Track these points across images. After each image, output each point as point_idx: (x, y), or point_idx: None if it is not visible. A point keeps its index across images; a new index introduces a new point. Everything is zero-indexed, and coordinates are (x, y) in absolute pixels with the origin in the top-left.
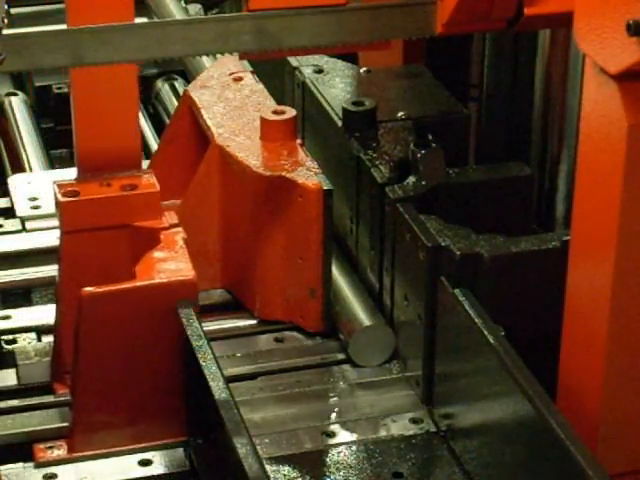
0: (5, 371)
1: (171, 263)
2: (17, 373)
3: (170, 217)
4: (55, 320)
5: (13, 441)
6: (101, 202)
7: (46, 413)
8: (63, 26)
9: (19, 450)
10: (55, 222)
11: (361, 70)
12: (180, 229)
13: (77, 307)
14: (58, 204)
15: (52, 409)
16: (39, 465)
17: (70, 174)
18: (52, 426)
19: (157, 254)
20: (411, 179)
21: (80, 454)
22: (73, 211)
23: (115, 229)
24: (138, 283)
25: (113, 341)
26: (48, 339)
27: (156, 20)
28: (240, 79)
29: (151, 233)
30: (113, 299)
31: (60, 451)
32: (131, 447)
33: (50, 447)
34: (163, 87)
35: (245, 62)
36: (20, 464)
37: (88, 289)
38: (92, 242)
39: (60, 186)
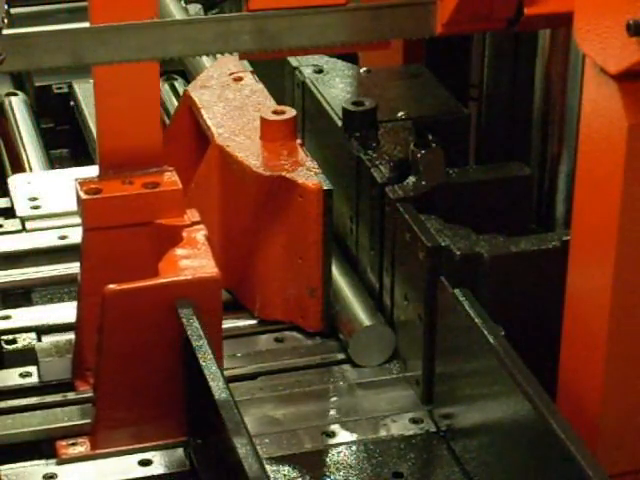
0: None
1: (194, 260)
2: (38, 370)
3: (192, 214)
4: (76, 317)
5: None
6: (123, 200)
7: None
8: (63, 26)
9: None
10: (55, 222)
11: (361, 70)
12: (202, 226)
13: (99, 304)
14: (80, 201)
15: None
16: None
17: (70, 174)
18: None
19: (180, 251)
20: (411, 179)
21: (102, 451)
22: (95, 209)
23: (137, 227)
24: (161, 280)
25: (136, 338)
26: (48, 339)
27: (156, 20)
28: (240, 79)
29: (173, 231)
30: (136, 296)
31: (82, 448)
32: (152, 444)
33: (73, 444)
34: (163, 87)
35: (245, 62)
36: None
37: (111, 286)
38: (114, 240)
39: (82, 183)
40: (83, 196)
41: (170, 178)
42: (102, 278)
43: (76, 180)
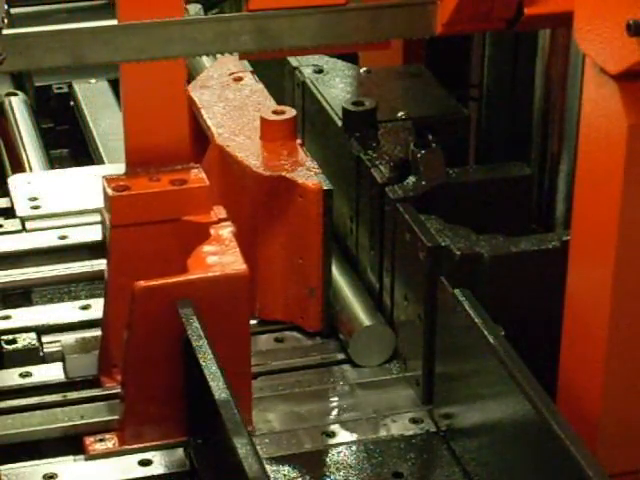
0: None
1: (222, 257)
2: (64, 367)
3: (218, 211)
4: (103, 314)
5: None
6: (151, 197)
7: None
8: (63, 26)
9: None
10: (55, 222)
11: (361, 70)
12: (229, 223)
13: (128, 300)
14: (108, 198)
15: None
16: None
17: (70, 174)
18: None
19: (208, 248)
20: (411, 179)
21: (130, 446)
22: (123, 205)
23: (164, 223)
24: (190, 277)
25: (165, 334)
26: (48, 339)
27: (156, 20)
28: (240, 79)
29: (200, 227)
30: (166, 292)
31: (110, 444)
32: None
33: (101, 440)
34: None
35: (245, 62)
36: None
37: (141, 283)
38: (141, 236)
39: (109, 180)
40: (110, 193)
41: (197, 175)
42: (129, 275)
43: (103, 177)
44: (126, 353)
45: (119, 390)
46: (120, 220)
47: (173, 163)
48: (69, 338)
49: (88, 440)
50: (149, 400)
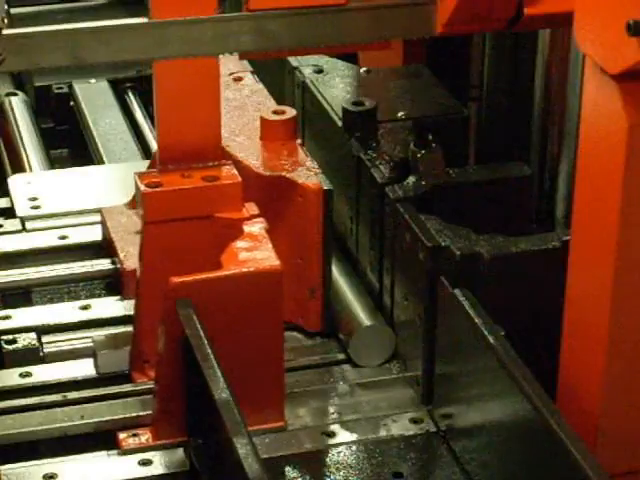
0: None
1: (256, 253)
2: (95, 362)
3: (250, 208)
4: (135, 310)
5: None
6: (183, 193)
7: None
8: (63, 26)
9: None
10: (55, 222)
11: (361, 70)
12: (261, 219)
13: (160, 296)
14: (140, 194)
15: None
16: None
17: (70, 174)
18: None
19: (241, 244)
20: (411, 179)
21: (163, 442)
22: (155, 202)
23: (196, 220)
24: (225, 272)
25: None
26: (48, 339)
27: (156, 20)
28: (240, 79)
29: (232, 224)
30: (201, 288)
31: (144, 438)
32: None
33: (134, 435)
34: None
35: (245, 62)
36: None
37: (176, 278)
38: (173, 232)
39: (142, 177)
40: (143, 189)
41: (229, 172)
42: (161, 271)
43: (136, 173)
44: (160, 348)
45: (150, 386)
46: (153, 216)
47: (205, 160)
48: (100, 334)
49: (121, 435)
50: (182, 395)
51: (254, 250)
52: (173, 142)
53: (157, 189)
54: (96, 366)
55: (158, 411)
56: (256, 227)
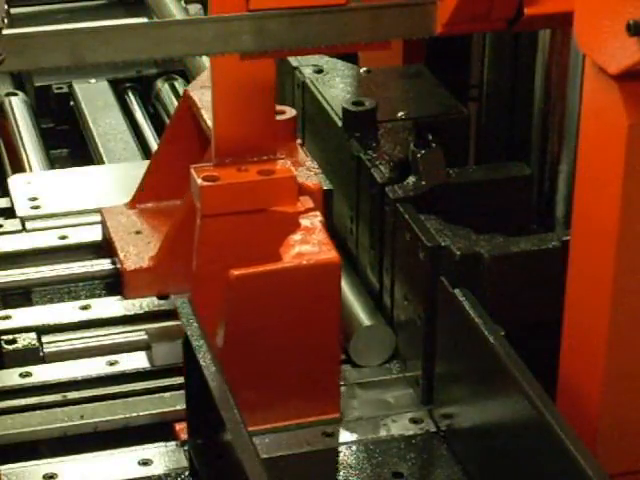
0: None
1: (314, 245)
2: (150, 355)
3: (305, 202)
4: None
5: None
6: (240, 187)
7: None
8: (63, 26)
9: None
10: (55, 222)
11: (361, 70)
12: (317, 213)
13: (214, 289)
14: (197, 188)
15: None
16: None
17: (70, 174)
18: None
19: (299, 237)
20: (411, 179)
21: None
22: (212, 195)
23: (252, 213)
24: (285, 265)
25: (258, 321)
26: (48, 339)
27: (156, 20)
28: None
29: (288, 217)
30: (261, 280)
31: None
32: (281, 425)
33: None
34: (163, 87)
35: None
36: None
37: (237, 270)
38: (229, 226)
39: (199, 170)
40: (200, 183)
41: (284, 166)
42: (216, 264)
43: (192, 167)
44: (220, 341)
45: None
46: (209, 210)
47: (260, 154)
48: (154, 327)
49: (179, 426)
50: (243, 385)
51: (312, 243)
52: (229, 136)
53: (214, 183)
54: (150, 359)
55: None
56: (312, 220)
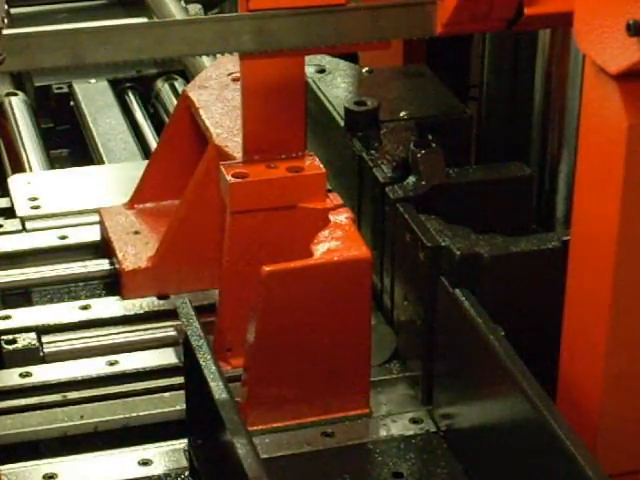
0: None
1: (345, 242)
2: (178, 352)
3: (334, 198)
4: (218, 299)
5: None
6: (269, 184)
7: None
8: (63, 26)
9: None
10: (54, 222)
11: (363, 70)
12: (346, 209)
13: (249, 284)
14: (227, 185)
15: None
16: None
17: (70, 174)
18: None
19: (329, 233)
20: (411, 179)
21: (253, 428)
22: (241, 192)
23: (281, 210)
24: (317, 261)
25: (290, 317)
26: (48, 339)
27: (156, 20)
28: (239, 79)
29: (317, 214)
30: (292, 276)
31: None
32: (310, 420)
33: None
34: (163, 87)
35: None
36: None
37: (269, 267)
38: (258, 223)
39: (228, 167)
40: (230, 180)
41: (312, 162)
42: (245, 260)
43: (221, 164)
44: (251, 336)
45: (235, 373)
46: (239, 206)
47: (289, 151)
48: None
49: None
50: (273, 381)
51: (343, 239)
52: (259, 133)
53: (243, 180)
54: (179, 355)
55: (250, 397)
56: (342, 216)
